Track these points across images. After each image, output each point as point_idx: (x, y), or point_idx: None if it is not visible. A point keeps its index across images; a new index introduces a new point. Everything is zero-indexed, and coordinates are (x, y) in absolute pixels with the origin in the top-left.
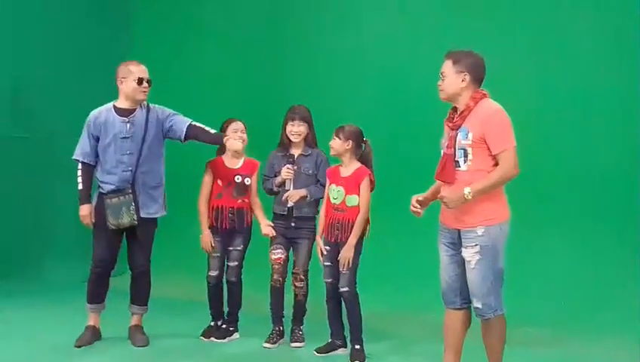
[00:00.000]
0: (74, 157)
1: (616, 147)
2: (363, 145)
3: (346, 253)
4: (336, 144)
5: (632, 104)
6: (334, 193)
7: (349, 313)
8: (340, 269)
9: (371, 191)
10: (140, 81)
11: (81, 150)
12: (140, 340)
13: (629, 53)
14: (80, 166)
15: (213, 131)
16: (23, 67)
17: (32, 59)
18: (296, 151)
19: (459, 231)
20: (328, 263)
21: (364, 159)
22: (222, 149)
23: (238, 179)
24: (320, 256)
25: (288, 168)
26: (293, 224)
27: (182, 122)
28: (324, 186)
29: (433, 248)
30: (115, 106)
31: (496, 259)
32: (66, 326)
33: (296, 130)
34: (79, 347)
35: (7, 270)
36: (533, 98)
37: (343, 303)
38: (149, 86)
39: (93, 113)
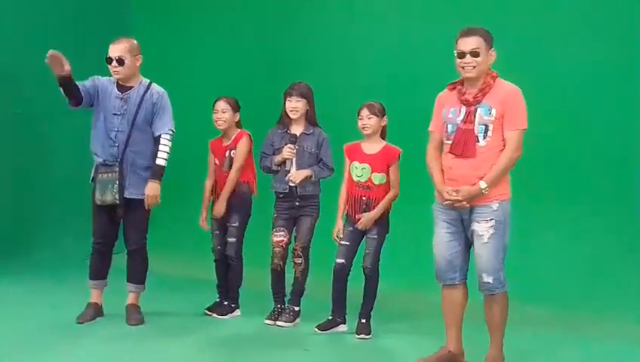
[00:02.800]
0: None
1: (618, 130)
2: None
3: (366, 220)
4: (374, 122)
5: (633, 95)
6: (358, 171)
7: (367, 289)
8: (365, 250)
9: None
10: (108, 61)
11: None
12: (134, 319)
13: (630, 47)
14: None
15: (157, 162)
16: (20, 44)
17: (31, 35)
18: (297, 130)
19: (471, 206)
20: (345, 242)
21: (383, 134)
22: None
23: (231, 153)
24: (336, 238)
25: (290, 148)
26: (297, 203)
27: (160, 127)
28: (326, 165)
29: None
30: (117, 82)
31: (505, 234)
32: (64, 304)
33: (293, 105)
34: (81, 323)
35: (4, 249)
36: (535, 88)
37: (348, 283)
38: (120, 65)
39: (102, 79)
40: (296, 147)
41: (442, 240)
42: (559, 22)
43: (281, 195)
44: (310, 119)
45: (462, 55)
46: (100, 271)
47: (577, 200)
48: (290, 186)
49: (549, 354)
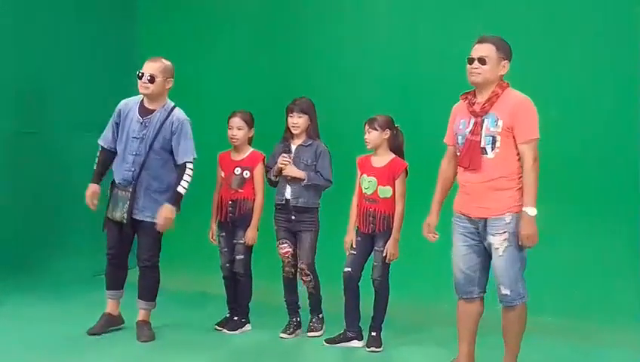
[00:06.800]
0: (98, 141)
1: (619, 138)
2: (395, 131)
3: (392, 249)
4: (374, 136)
5: (633, 98)
6: (365, 183)
7: (377, 301)
8: (373, 262)
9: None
10: (139, 76)
11: (104, 134)
12: (144, 336)
13: (629, 44)
14: (99, 149)
15: (178, 189)
16: (32, 63)
17: (41, 55)
18: (297, 142)
19: (485, 219)
20: (353, 252)
21: (397, 146)
22: None
23: (237, 171)
24: (347, 249)
25: (284, 157)
26: (293, 217)
27: (182, 155)
28: (323, 177)
29: (446, 237)
30: (141, 103)
31: (521, 246)
32: (74, 320)
33: (294, 121)
34: (91, 334)
35: (16, 265)
36: (535, 92)
37: (360, 294)
38: (150, 83)
39: (124, 101)
40: (292, 156)
41: (460, 254)
42: (559, 26)
43: (279, 207)
44: (311, 133)
45: (471, 61)
46: (114, 282)
47: (584, 206)
48: (285, 198)
49: None
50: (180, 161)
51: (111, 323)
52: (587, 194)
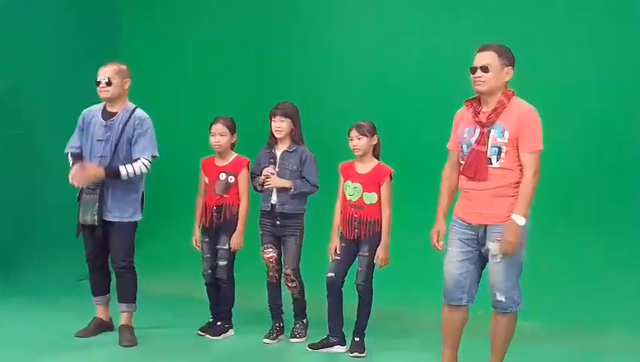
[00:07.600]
0: (65, 150)
1: (619, 138)
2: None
3: (382, 254)
4: (363, 142)
5: (633, 109)
6: (350, 190)
7: (360, 306)
8: (358, 267)
9: None
10: (97, 84)
11: (71, 142)
12: (127, 340)
13: (631, 42)
14: (69, 157)
15: (120, 167)
16: (14, 64)
17: (23, 56)
18: (281, 149)
19: (485, 226)
20: (337, 257)
21: (377, 152)
22: None
23: (222, 176)
24: (332, 255)
25: (267, 171)
26: (278, 222)
27: (139, 152)
28: (310, 183)
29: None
30: (104, 108)
31: (520, 254)
32: (55, 326)
33: (277, 125)
34: (78, 337)
35: None
36: (535, 93)
37: (343, 299)
38: (108, 85)
39: (87, 109)
40: (276, 170)
41: (454, 259)
42: (557, 24)
43: (264, 212)
44: (295, 138)
45: (473, 70)
46: (98, 287)
47: (577, 214)
48: (271, 204)
49: None
50: (135, 157)
51: (100, 328)
52: (586, 197)
